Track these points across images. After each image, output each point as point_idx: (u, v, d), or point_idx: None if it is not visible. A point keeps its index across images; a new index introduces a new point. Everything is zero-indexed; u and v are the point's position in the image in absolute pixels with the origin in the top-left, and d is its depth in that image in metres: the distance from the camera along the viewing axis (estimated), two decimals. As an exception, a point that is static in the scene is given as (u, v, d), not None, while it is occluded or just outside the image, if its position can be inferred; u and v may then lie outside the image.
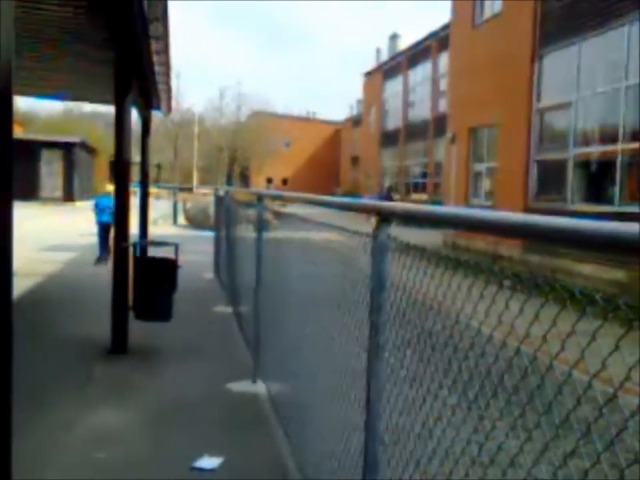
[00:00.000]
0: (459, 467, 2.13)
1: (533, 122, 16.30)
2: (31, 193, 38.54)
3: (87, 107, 67.90)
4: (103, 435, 4.80)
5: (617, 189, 13.18)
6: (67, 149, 42.24)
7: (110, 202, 12.78)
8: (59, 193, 41.94)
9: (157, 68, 9.04)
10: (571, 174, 14.78)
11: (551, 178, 16.03)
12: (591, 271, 12.38)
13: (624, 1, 12.89)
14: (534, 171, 16.33)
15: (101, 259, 14.00)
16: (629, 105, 12.96)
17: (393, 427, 2.53)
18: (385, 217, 2.46)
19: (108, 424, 5.04)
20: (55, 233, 20.62)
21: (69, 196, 42.11)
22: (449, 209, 2.12)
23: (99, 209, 14.61)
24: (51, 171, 41.93)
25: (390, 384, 2.52)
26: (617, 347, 1.33)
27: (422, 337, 2.34)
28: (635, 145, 12.96)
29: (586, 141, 14.72)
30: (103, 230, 14.40)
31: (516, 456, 1.78)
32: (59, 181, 42.24)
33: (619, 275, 11.05)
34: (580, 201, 14.49)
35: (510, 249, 15.41)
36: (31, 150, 39.31)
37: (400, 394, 2.51)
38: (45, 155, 41.63)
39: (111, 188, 10.95)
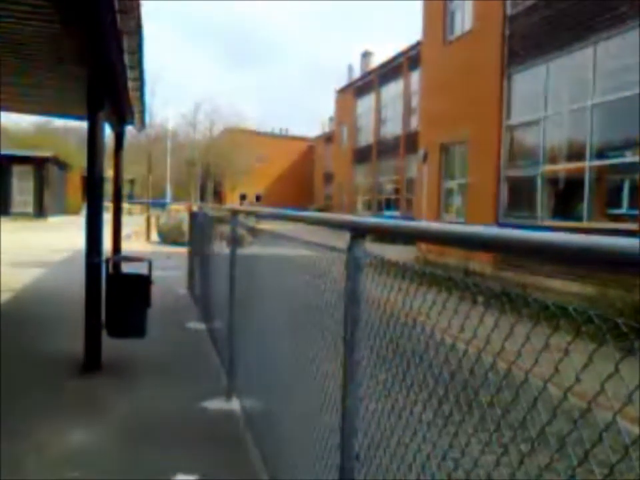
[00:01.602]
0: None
1: (503, 139, 16.53)
2: (1, 208, 38.01)
3: (59, 122, 67.28)
4: (77, 455, 4.72)
5: (585, 206, 13.39)
6: (38, 164, 41.76)
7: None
8: (30, 209, 41.42)
9: (130, 83, 9.00)
10: (540, 190, 15.00)
11: (521, 194, 16.25)
12: (561, 286, 12.53)
13: (588, 22, 13.16)
14: (504, 188, 16.53)
15: None
16: (595, 123, 13.22)
17: (369, 442, 2.54)
18: (359, 232, 2.48)
19: (81, 443, 4.97)
20: (27, 249, 20.33)
21: (40, 212, 41.59)
22: (421, 224, 2.14)
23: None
24: (22, 186, 41.42)
25: (365, 400, 2.53)
26: (590, 360, 1.35)
27: (397, 352, 2.35)
28: (601, 163, 13.20)
29: (555, 158, 14.97)
30: None
31: (492, 470, 1.79)
32: (30, 197, 41.73)
33: (588, 289, 11.19)
34: (550, 217, 14.70)
35: (481, 264, 15.55)
36: (1, 165, 38.81)
37: (375, 410, 2.51)
38: (16, 170, 41.13)
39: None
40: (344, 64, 79.09)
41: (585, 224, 13.05)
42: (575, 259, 1.26)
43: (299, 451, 3.48)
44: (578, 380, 1.40)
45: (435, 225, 1.97)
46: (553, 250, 1.30)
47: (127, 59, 7.66)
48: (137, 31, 6.80)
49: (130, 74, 8.41)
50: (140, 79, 8.84)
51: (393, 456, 2.38)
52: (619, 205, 13.21)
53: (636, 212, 11.79)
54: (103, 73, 7.16)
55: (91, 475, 4.39)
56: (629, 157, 12.48)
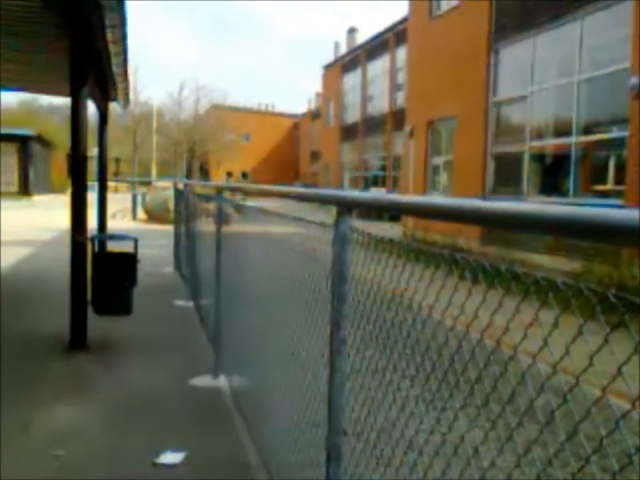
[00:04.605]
0: (423, 458, 2.13)
1: (489, 115, 16.50)
2: (-16, 187, 37.73)
3: (43, 100, 66.59)
4: (63, 432, 4.70)
5: (571, 182, 13.41)
6: (22, 142, 41.36)
7: None
8: (14, 187, 41.08)
9: (113, 58, 8.86)
10: (527, 167, 15.01)
11: (507, 171, 16.26)
12: (547, 262, 12.59)
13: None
14: (491, 164, 16.53)
15: None
16: (582, 99, 13.20)
17: (356, 418, 2.53)
18: (345, 207, 2.45)
19: (67, 421, 4.94)
20: (13, 228, 20.11)
21: (25, 190, 41.28)
22: (408, 197, 2.10)
23: None
24: (6, 164, 41.03)
25: (352, 375, 2.52)
26: (580, 333, 1.34)
27: (384, 328, 2.33)
28: (587, 138, 13.21)
29: (541, 134, 14.96)
30: None
31: (480, 445, 1.78)
32: (14, 175, 41.38)
33: (573, 265, 11.25)
34: (536, 193, 14.73)
35: (468, 240, 15.58)
36: (-16, 143, 38.45)
37: (362, 385, 2.50)
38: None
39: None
40: (331, 40, 78.40)
41: (571, 199, 13.09)
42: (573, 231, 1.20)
43: (287, 427, 3.48)
44: (567, 353, 1.39)
45: (421, 199, 1.94)
46: (552, 223, 1.24)
47: (110, 33, 7.53)
48: (119, 5, 6.68)
49: (113, 49, 8.28)
50: (123, 54, 8.71)
51: (380, 431, 2.37)
52: (604, 181, 13.24)
53: (622, 187, 11.82)
54: (85, 49, 7.05)
55: (79, 451, 4.38)
56: (615, 133, 12.49)
